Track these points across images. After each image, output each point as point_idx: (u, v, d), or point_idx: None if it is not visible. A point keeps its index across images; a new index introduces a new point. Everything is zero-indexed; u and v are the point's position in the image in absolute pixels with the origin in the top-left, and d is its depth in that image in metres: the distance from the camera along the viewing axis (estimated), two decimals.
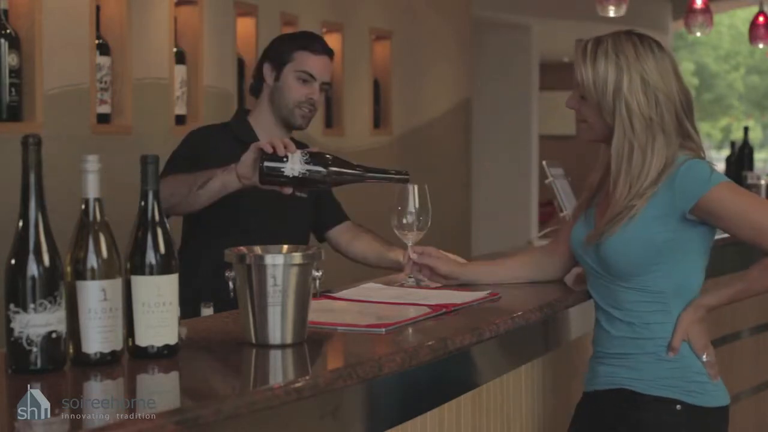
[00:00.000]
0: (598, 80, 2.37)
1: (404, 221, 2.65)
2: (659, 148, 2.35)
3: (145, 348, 1.82)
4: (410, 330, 2.14)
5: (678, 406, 2.35)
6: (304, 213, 3.19)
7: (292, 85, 3.06)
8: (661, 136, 2.35)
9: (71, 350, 1.75)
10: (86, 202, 1.77)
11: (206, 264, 2.93)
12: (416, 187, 2.66)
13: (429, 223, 2.67)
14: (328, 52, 3.14)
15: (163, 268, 1.83)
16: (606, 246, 2.37)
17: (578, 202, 2.59)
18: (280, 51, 3.11)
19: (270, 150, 2.61)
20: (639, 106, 2.35)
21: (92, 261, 1.75)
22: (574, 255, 2.53)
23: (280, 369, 1.91)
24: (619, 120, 2.36)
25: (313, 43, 3.12)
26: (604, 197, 2.47)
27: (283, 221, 3.07)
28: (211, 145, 3.06)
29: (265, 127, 3.10)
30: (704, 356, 2.38)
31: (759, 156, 19.53)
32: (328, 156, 2.64)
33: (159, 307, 1.82)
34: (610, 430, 2.43)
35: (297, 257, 1.96)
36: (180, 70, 4.56)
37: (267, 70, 3.11)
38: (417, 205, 2.65)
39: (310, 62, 3.07)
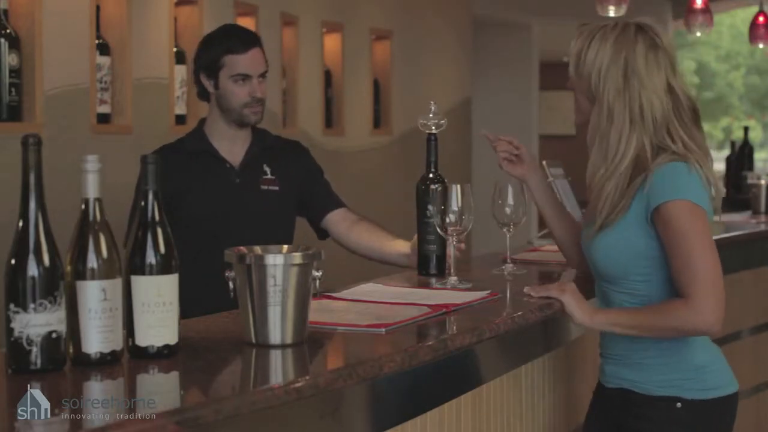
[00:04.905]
0: (583, 59, 2.40)
1: (447, 220, 2.65)
2: (635, 136, 2.33)
3: (145, 348, 1.82)
4: (410, 330, 2.14)
5: (678, 404, 2.36)
6: (284, 212, 3.18)
7: (233, 90, 3.09)
8: (639, 127, 2.33)
9: (71, 350, 1.75)
10: (86, 202, 1.77)
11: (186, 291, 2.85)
12: (459, 187, 2.66)
13: (472, 222, 2.66)
14: (254, 43, 3.12)
15: (163, 268, 1.83)
16: (595, 247, 2.39)
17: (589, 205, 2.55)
18: (209, 59, 3.11)
19: None
20: (617, 89, 2.35)
21: (92, 261, 1.75)
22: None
23: (280, 369, 1.91)
24: (601, 98, 2.37)
25: (236, 42, 3.10)
26: None
27: (265, 231, 3.02)
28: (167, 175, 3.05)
29: (219, 131, 3.15)
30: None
31: (759, 156, 19.52)
32: None
33: (159, 307, 1.82)
34: (615, 425, 2.47)
35: (297, 257, 1.96)
36: (180, 70, 4.56)
37: (204, 80, 3.13)
38: (460, 205, 2.65)
39: (241, 63, 3.08)
